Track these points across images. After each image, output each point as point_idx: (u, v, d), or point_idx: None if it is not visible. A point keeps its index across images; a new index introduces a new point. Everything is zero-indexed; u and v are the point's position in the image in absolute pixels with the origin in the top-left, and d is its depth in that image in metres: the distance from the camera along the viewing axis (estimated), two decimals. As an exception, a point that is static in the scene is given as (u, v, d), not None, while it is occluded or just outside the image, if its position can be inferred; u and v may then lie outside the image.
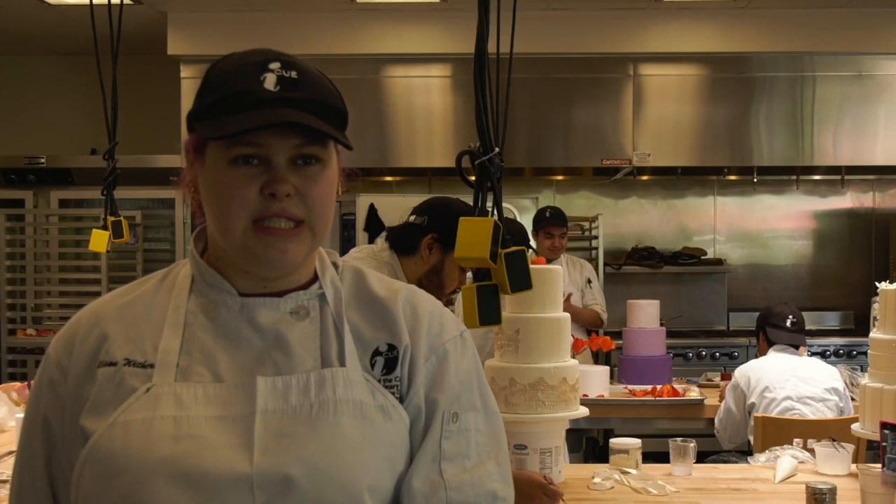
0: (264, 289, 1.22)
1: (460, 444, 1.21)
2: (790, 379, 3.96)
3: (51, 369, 1.22)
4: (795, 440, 3.37)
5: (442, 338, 1.25)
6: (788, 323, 4.18)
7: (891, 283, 3.12)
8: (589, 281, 5.58)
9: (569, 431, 3.05)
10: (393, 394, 1.20)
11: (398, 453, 1.19)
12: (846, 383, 4.16)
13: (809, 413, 3.86)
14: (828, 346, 6.13)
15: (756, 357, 4.39)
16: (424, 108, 6.23)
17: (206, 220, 1.22)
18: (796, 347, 4.15)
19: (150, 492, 1.10)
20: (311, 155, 1.18)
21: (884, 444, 2.71)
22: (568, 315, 3.00)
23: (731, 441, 4.16)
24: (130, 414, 1.14)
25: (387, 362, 1.22)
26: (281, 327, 1.20)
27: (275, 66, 1.17)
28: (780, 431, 3.66)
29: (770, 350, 4.16)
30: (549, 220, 5.30)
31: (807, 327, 4.38)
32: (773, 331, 4.17)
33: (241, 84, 1.16)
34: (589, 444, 5.50)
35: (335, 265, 1.29)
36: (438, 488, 1.18)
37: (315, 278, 1.26)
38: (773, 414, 3.86)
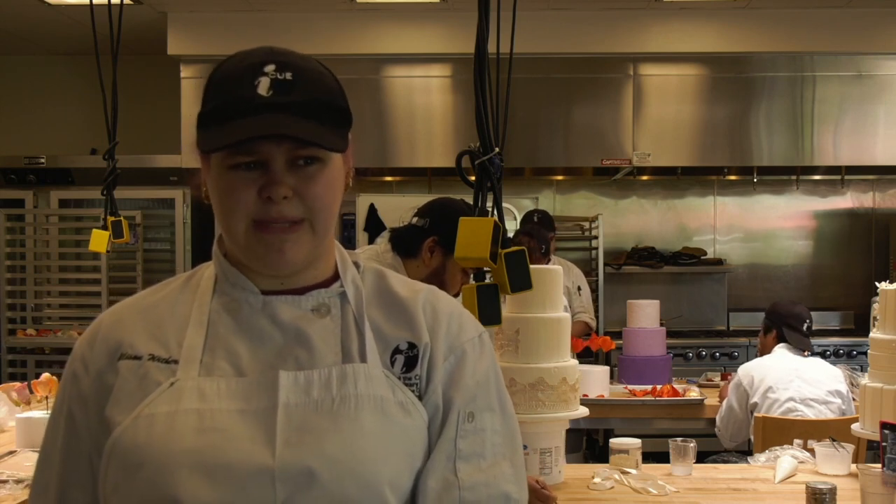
0: (282, 286, 1.24)
1: (476, 444, 1.22)
2: (794, 380, 3.96)
3: (74, 364, 1.25)
4: (796, 440, 3.37)
5: (461, 338, 1.27)
6: (805, 327, 4.18)
7: (891, 283, 3.12)
8: (579, 288, 5.57)
9: (569, 431, 3.05)
10: (412, 391, 1.22)
11: (417, 449, 1.20)
12: (848, 384, 4.15)
13: (811, 415, 3.86)
14: (828, 346, 6.13)
15: (757, 354, 4.39)
16: (424, 108, 6.23)
17: (216, 221, 1.24)
18: (803, 350, 4.16)
19: (174, 483, 1.11)
20: (308, 156, 1.18)
21: (884, 444, 2.71)
22: (568, 315, 3.00)
23: (732, 439, 4.15)
24: (154, 407, 1.16)
25: (406, 360, 1.23)
26: (302, 324, 1.22)
27: (269, 68, 1.17)
28: (781, 431, 3.66)
29: (777, 347, 4.15)
30: (538, 225, 5.28)
31: (808, 327, 4.38)
32: (789, 332, 4.15)
33: (236, 90, 1.16)
34: (589, 444, 5.50)
35: (356, 265, 1.30)
36: (452, 487, 1.19)
37: (336, 276, 1.28)
38: (775, 415, 3.85)
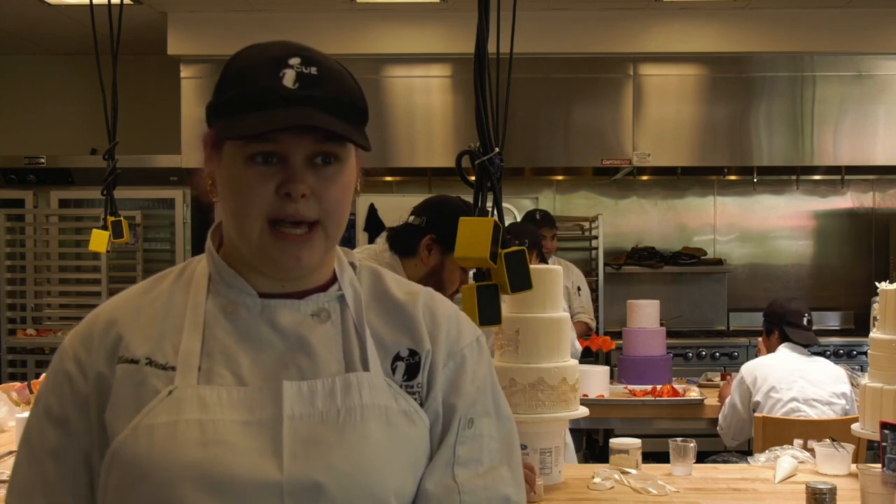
0: (282, 288, 1.21)
1: (473, 450, 1.21)
2: (797, 380, 3.95)
3: (68, 364, 1.20)
4: (796, 440, 3.37)
5: (460, 343, 1.25)
6: (805, 321, 4.16)
7: (891, 283, 3.12)
8: (579, 289, 5.56)
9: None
10: (415, 399, 1.20)
11: (421, 457, 1.19)
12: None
13: (814, 415, 3.85)
14: (828, 346, 6.12)
15: (757, 355, 4.38)
16: (424, 108, 6.23)
17: (223, 217, 1.21)
18: (807, 346, 4.14)
19: (177, 497, 1.09)
20: (328, 153, 1.15)
21: (884, 444, 2.71)
22: (567, 315, 3.00)
23: (734, 438, 4.14)
24: (154, 417, 1.12)
25: (408, 368, 1.21)
26: (303, 330, 1.19)
27: (294, 61, 1.14)
28: (781, 431, 3.66)
29: (781, 346, 4.12)
30: (540, 223, 5.28)
31: (808, 326, 4.37)
32: (791, 329, 4.12)
33: (259, 80, 1.13)
34: (589, 444, 5.50)
35: (353, 265, 1.28)
36: (452, 492, 1.18)
37: (334, 279, 1.25)
38: (778, 415, 3.85)
